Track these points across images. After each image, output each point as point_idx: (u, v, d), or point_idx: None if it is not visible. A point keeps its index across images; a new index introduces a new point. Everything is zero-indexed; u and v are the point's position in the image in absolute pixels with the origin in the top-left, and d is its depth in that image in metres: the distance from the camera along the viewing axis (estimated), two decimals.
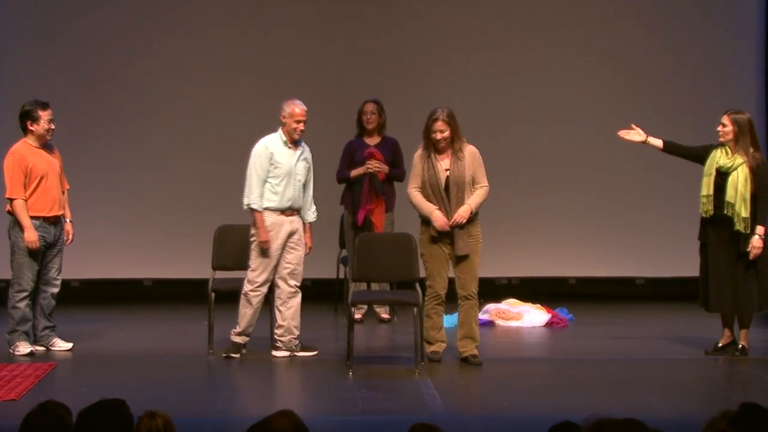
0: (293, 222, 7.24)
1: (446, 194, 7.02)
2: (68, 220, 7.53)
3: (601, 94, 9.87)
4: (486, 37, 9.86)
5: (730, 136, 7.14)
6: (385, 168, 8.41)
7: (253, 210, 7.18)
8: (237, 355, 7.22)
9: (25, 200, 7.23)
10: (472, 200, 7.06)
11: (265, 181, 7.17)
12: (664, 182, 9.67)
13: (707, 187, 7.16)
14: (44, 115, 7.32)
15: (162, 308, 9.33)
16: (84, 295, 9.52)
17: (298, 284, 7.26)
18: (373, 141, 8.53)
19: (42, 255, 7.34)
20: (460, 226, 7.02)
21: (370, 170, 8.37)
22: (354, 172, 8.42)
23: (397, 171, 8.54)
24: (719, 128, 7.20)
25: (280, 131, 7.23)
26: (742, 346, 7.31)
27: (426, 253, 7.11)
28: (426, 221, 7.08)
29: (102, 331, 8.27)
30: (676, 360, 7.43)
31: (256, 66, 9.73)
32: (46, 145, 7.41)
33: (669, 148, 7.42)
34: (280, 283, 7.22)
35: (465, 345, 7.15)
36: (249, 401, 6.49)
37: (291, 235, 7.22)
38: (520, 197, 9.86)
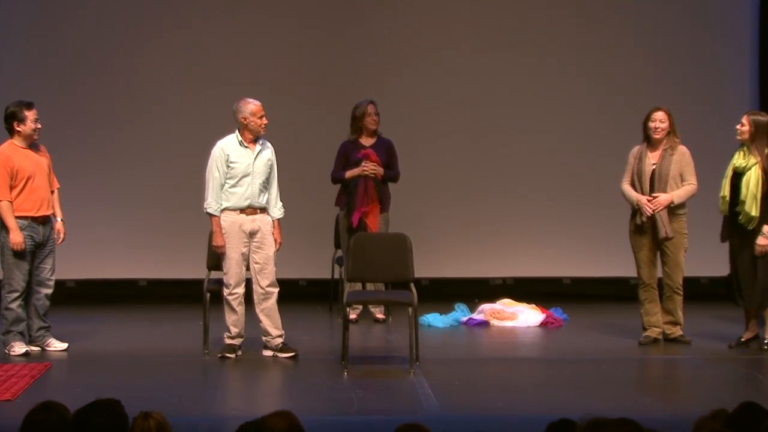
0: (255, 221, 7.22)
1: (650, 187, 7.47)
2: (59, 219, 7.52)
3: (596, 96, 9.85)
4: (481, 40, 9.85)
5: (746, 136, 7.29)
6: (380, 170, 8.39)
7: (209, 215, 7.20)
8: (232, 356, 7.22)
9: (11, 202, 7.22)
10: (676, 193, 7.44)
11: (223, 184, 7.17)
12: None
13: (724, 188, 7.34)
14: (30, 115, 7.31)
15: (157, 308, 9.31)
16: (79, 295, 9.50)
17: (271, 283, 7.22)
18: (368, 142, 8.52)
19: (32, 255, 7.33)
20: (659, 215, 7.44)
21: (365, 172, 8.36)
22: (349, 173, 8.40)
23: (392, 172, 8.52)
24: (738, 127, 7.35)
25: (236, 132, 7.23)
26: None
27: (632, 242, 7.63)
28: (634, 212, 7.54)
29: (97, 332, 8.26)
30: (670, 360, 7.45)
31: (252, 66, 9.70)
32: (32, 145, 7.40)
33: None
34: (254, 284, 7.23)
35: (670, 328, 7.62)
36: (244, 401, 6.49)
37: (254, 234, 7.21)
38: (515, 199, 9.86)
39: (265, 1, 9.85)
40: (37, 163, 7.37)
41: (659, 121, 7.52)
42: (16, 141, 7.35)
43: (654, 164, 7.52)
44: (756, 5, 9.88)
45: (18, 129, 7.32)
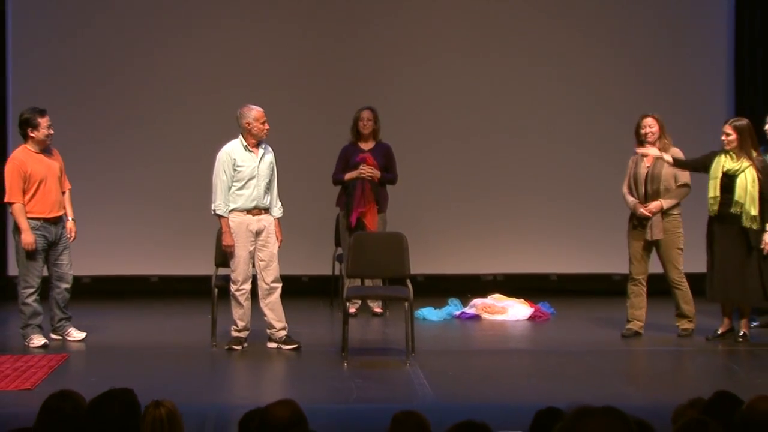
0: (261, 221, 7.24)
1: (645, 189, 7.52)
2: (70, 219, 7.53)
3: (585, 100, 9.85)
4: (475, 46, 9.85)
5: (735, 144, 7.28)
6: (376, 173, 8.41)
7: (219, 216, 7.21)
8: (238, 348, 7.23)
9: (24, 204, 7.23)
10: (666, 199, 7.52)
11: (230, 187, 7.18)
12: None
13: (714, 189, 7.31)
14: (43, 122, 7.32)
15: (168, 303, 9.30)
16: (94, 290, 9.48)
17: (275, 279, 7.24)
18: (367, 146, 8.53)
19: (46, 252, 7.35)
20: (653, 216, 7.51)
21: (362, 175, 8.38)
22: (348, 176, 8.42)
23: (390, 175, 8.53)
24: (723, 138, 7.33)
25: (240, 137, 7.24)
26: (744, 333, 7.45)
27: (628, 240, 7.70)
28: (632, 213, 7.65)
29: (111, 325, 8.26)
30: (651, 351, 7.45)
31: (257, 69, 9.70)
32: (45, 150, 7.40)
33: (678, 163, 7.55)
34: (259, 280, 7.25)
35: (677, 321, 7.67)
36: (249, 390, 6.50)
37: (259, 233, 7.22)
38: (506, 200, 9.87)
39: (268, 7, 9.84)
40: (49, 167, 7.38)
41: (648, 126, 7.55)
42: (30, 146, 7.36)
43: (648, 167, 7.56)
44: (732, 18, 9.89)
45: (32, 135, 7.32)
